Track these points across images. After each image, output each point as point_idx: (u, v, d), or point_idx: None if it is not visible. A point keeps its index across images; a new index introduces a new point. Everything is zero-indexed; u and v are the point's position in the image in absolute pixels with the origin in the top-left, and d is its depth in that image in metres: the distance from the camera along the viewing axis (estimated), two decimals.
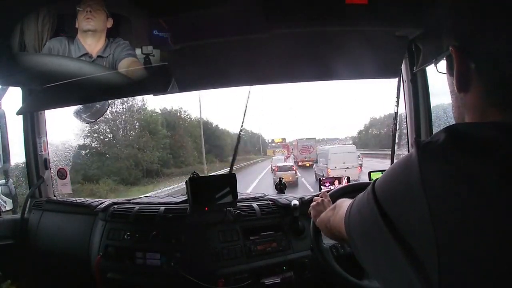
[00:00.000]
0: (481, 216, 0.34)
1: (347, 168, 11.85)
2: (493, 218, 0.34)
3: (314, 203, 1.01)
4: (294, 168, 13.42)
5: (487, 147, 0.37)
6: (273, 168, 15.25)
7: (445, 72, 0.52)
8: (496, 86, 0.43)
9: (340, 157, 12.53)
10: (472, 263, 0.34)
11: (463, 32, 0.45)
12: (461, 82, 0.46)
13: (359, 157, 14.05)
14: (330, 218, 0.77)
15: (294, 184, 11.61)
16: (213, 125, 27.53)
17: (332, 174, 10.74)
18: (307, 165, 19.14)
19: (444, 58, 0.50)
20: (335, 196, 1.13)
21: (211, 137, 25.05)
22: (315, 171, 14.58)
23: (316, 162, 14.52)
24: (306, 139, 21.09)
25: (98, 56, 1.16)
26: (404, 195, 0.41)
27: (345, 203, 0.75)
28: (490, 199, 0.34)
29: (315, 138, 21.76)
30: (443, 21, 0.50)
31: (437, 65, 0.54)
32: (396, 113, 1.59)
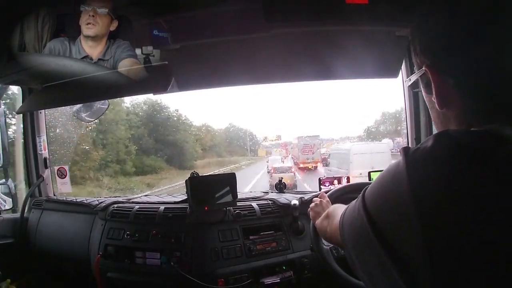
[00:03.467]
0: (477, 224, 0.34)
1: None
2: (489, 225, 0.34)
3: (312, 204, 1.01)
4: (293, 170, 12.56)
5: (480, 154, 0.37)
6: (270, 169, 13.82)
7: (419, 89, 0.52)
8: (478, 98, 0.43)
9: (367, 159, 8.74)
10: (466, 271, 0.34)
11: (435, 50, 0.45)
12: (442, 99, 0.46)
13: None
14: (327, 228, 0.78)
15: (293, 187, 10.37)
16: (169, 111, 17.21)
17: None
18: (310, 167, 16.14)
19: (419, 77, 0.50)
20: (334, 196, 1.13)
21: (159, 128, 15.85)
22: None
23: (326, 165, 11.49)
24: (309, 136, 17.37)
25: (99, 59, 1.15)
26: (393, 205, 0.40)
27: (337, 212, 0.75)
28: (486, 206, 0.34)
29: (319, 136, 17.78)
30: (412, 41, 0.49)
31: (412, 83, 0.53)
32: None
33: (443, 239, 0.35)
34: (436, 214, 0.36)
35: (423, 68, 0.46)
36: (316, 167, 15.90)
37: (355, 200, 0.49)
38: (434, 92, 0.46)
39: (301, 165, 16.46)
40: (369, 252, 0.43)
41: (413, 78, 0.52)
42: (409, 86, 0.56)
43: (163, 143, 15.66)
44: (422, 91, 0.51)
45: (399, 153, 0.44)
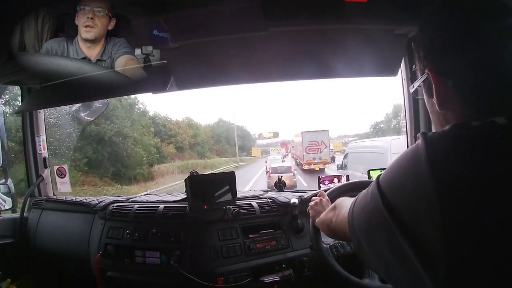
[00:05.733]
0: (493, 209, 0.35)
1: None
2: (504, 212, 0.35)
3: (312, 202, 1.01)
4: (292, 170, 11.54)
5: (498, 145, 0.38)
6: (268, 170, 12.33)
7: (421, 97, 0.54)
8: (475, 98, 0.45)
9: None
10: (480, 254, 0.34)
11: (434, 52, 0.47)
12: (443, 100, 0.47)
13: None
14: (332, 219, 0.77)
15: (293, 188, 9.78)
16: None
17: None
18: (316, 169, 13.18)
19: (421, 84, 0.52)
20: (333, 195, 1.13)
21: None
22: None
23: (342, 167, 8.79)
24: (316, 131, 13.95)
25: (98, 60, 1.15)
26: (411, 184, 0.40)
27: (345, 202, 0.75)
28: (501, 193, 0.35)
29: (328, 131, 14.17)
30: (416, 48, 0.51)
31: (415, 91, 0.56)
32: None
33: (459, 224, 0.36)
34: (454, 194, 0.37)
35: (426, 72, 0.49)
36: (323, 168, 13.27)
37: (366, 188, 0.50)
38: (434, 94, 0.48)
39: (306, 167, 13.58)
40: (383, 236, 0.43)
41: (416, 84, 0.54)
42: (412, 93, 0.58)
43: (87, 138, 9.15)
44: (424, 96, 0.53)
45: None
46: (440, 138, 0.41)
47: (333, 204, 0.82)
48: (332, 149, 14.81)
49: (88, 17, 1.09)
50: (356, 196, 0.54)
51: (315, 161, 13.36)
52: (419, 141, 0.42)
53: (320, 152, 13.43)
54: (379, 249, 0.45)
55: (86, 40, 1.12)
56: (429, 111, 0.54)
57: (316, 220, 0.90)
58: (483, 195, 0.36)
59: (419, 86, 0.54)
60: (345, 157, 9.01)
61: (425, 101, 0.54)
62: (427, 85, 0.50)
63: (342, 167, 8.68)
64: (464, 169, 0.37)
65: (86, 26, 1.09)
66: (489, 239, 0.34)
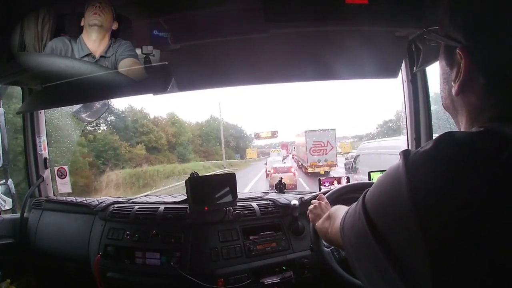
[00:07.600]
0: (474, 228, 0.34)
1: None
2: (486, 230, 0.34)
3: (311, 206, 1.00)
4: (292, 170, 11.35)
5: (480, 156, 0.36)
6: (268, 171, 11.92)
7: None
8: (495, 89, 0.42)
9: None
10: (467, 275, 0.34)
11: (473, 30, 0.42)
12: (464, 84, 0.44)
13: None
14: (328, 229, 0.77)
15: (293, 187, 9.32)
16: None
17: None
18: (322, 172, 12.02)
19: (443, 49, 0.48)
20: (332, 198, 1.13)
21: None
22: None
23: (350, 170, 8.11)
24: (321, 130, 12.78)
25: (101, 57, 1.16)
26: (393, 209, 0.40)
27: (339, 213, 0.74)
28: (486, 209, 0.34)
29: (334, 130, 12.93)
30: (451, 17, 0.45)
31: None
32: None
33: (442, 246, 0.35)
34: (435, 217, 0.35)
35: (458, 49, 0.43)
36: (329, 171, 12.18)
37: (355, 203, 0.49)
38: (460, 77, 0.43)
39: (310, 170, 12.52)
40: (368, 256, 0.42)
41: (444, 41, 0.47)
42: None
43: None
44: (441, 61, 0.48)
45: None
46: (421, 159, 0.39)
47: (327, 213, 0.82)
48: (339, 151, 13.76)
49: (96, 6, 1.14)
50: (348, 208, 0.53)
51: (320, 164, 12.39)
52: (400, 162, 0.40)
53: (326, 154, 12.41)
54: (367, 268, 0.44)
55: (93, 27, 1.15)
56: (441, 78, 0.49)
57: (316, 224, 0.90)
58: (465, 217, 0.34)
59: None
60: (354, 159, 8.19)
61: (440, 67, 0.48)
62: (449, 54, 0.45)
63: (351, 169, 7.93)
64: (444, 193, 0.36)
65: (94, 14, 1.14)
66: (474, 261, 0.33)
